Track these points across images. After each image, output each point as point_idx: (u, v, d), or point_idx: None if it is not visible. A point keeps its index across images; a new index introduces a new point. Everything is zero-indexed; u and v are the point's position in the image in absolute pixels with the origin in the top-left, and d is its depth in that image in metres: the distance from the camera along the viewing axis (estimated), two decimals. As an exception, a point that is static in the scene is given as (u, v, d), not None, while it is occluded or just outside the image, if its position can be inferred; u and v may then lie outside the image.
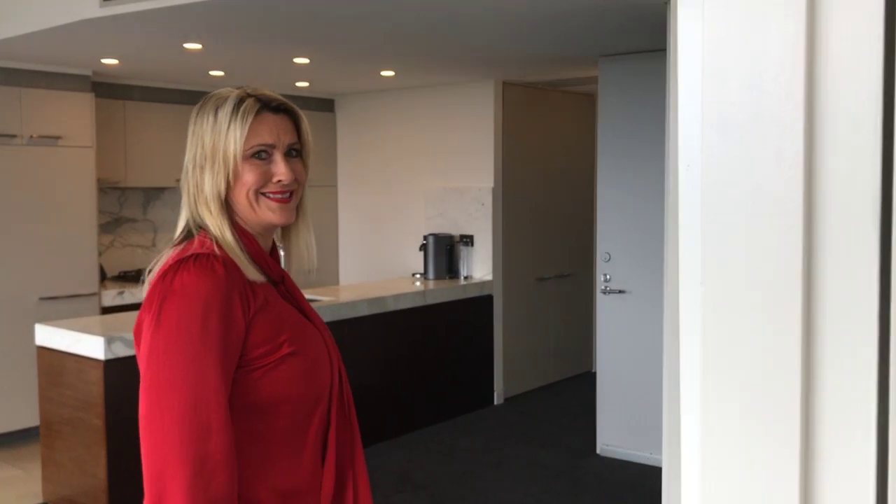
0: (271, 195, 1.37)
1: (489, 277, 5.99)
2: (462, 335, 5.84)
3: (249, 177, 1.35)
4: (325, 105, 6.83)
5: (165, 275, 1.28)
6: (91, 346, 3.70)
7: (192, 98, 6.16)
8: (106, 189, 5.89)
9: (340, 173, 6.94)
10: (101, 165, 5.56)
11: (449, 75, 5.70)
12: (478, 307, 5.92)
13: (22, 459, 4.83)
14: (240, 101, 1.35)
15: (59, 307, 5.18)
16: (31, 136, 5.08)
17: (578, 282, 6.85)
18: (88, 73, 5.32)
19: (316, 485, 1.37)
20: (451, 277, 5.97)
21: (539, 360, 6.50)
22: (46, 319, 4.35)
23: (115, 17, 3.67)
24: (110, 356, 3.67)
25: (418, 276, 6.08)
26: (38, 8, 3.96)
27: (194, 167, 1.36)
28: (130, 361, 3.74)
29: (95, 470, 3.71)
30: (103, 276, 5.72)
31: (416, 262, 6.21)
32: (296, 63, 5.06)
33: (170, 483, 1.20)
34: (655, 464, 4.67)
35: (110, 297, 5.48)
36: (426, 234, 6.03)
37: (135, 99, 5.86)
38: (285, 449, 1.33)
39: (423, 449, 5.09)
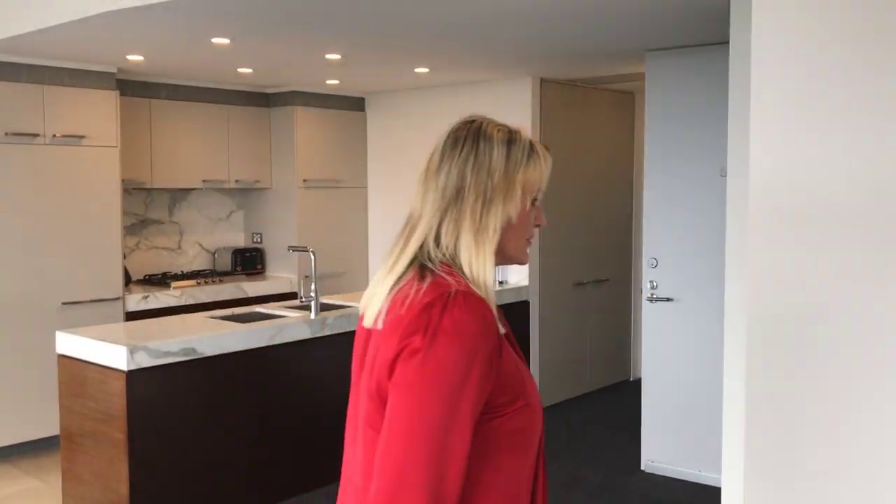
0: (529, 239, 1.39)
1: (525, 282, 5.75)
2: (497, 343, 5.60)
3: (539, 220, 1.39)
4: (355, 104, 6.63)
5: (430, 308, 1.23)
6: (114, 355, 3.51)
7: (219, 97, 5.99)
8: (131, 190, 5.74)
9: (370, 174, 6.74)
10: (126, 166, 5.40)
11: (485, 72, 5.48)
12: (514, 313, 5.68)
13: (42, 470, 4.67)
14: (528, 142, 1.36)
15: (83, 312, 5.01)
16: (55, 136, 4.93)
17: (616, 287, 6.60)
18: (113, 70, 5.15)
19: None
20: (485, 282, 5.73)
21: (575, 369, 6.25)
22: (69, 325, 4.19)
23: (140, 9, 3.49)
24: (133, 367, 3.48)
25: (451, 280, 5.86)
26: (59, 0, 3.79)
27: (476, 199, 1.31)
28: (155, 372, 3.56)
29: (117, 486, 3.52)
30: (128, 280, 5.56)
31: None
32: (327, 59, 4.86)
33: None
34: (705, 482, 4.42)
35: (135, 301, 5.32)
36: (460, 237, 5.80)
37: (161, 97, 5.69)
38: (507, 498, 1.31)
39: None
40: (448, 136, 1.37)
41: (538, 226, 1.40)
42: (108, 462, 3.57)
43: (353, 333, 4.72)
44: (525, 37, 4.24)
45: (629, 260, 6.71)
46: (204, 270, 6.20)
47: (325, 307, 4.70)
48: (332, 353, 4.45)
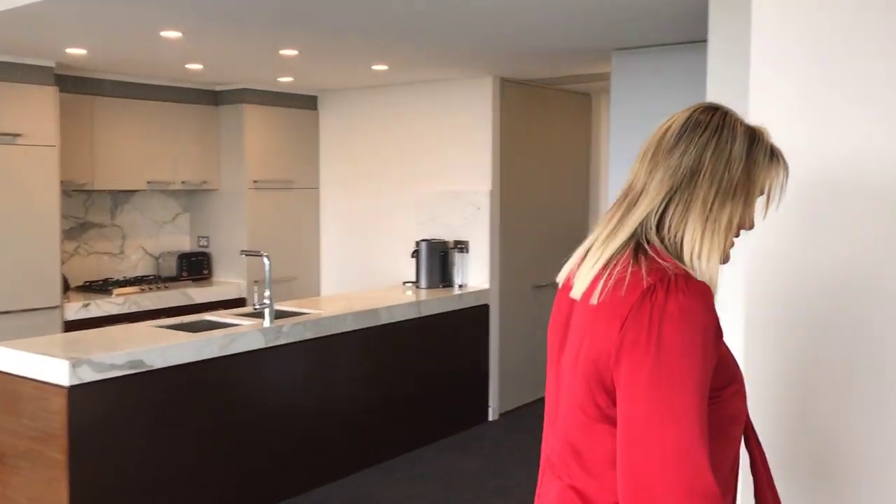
0: (735, 239, 1.33)
1: (486, 286, 5.62)
2: (457, 348, 5.47)
3: (751, 223, 1.33)
4: (307, 102, 6.41)
5: (652, 292, 1.19)
6: (53, 369, 3.26)
7: (165, 94, 5.72)
8: (70, 192, 5.43)
9: (323, 175, 6.53)
10: (66, 166, 5.10)
11: (445, 71, 5.33)
12: (473, 317, 5.55)
13: (-25, 491, 4.36)
14: (770, 143, 1.32)
15: (17, 323, 4.70)
16: (-13, 133, 4.62)
17: (576, 290, 6.51)
18: (52, 64, 4.86)
19: None
20: (444, 286, 5.59)
21: (534, 372, 6.14)
22: (1, 337, 3.89)
23: (81, -3, 3.24)
24: (76, 381, 3.23)
25: (409, 284, 5.70)
26: (-7, -13, 3.52)
27: (711, 187, 1.26)
28: (99, 387, 3.31)
29: (58, 510, 3.27)
30: (66, 287, 5.25)
31: (407, 269, 5.82)
32: (282, 55, 4.65)
33: None
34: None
35: (74, 310, 5.02)
36: (418, 239, 5.65)
37: (104, 94, 5.40)
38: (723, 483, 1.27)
39: (418, 474, 4.70)
40: (689, 117, 1.31)
41: (749, 228, 1.34)
42: (45, 484, 3.31)
43: (311, 342, 4.52)
44: (487, 34, 4.10)
45: (587, 263, 6.63)
46: (148, 276, 5.92)
47: (279, 314, 4.49)
48: (288, 363, 4.24)
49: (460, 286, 5.64)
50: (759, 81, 1.94)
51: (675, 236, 1.27)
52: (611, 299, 1.23)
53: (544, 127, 6.09)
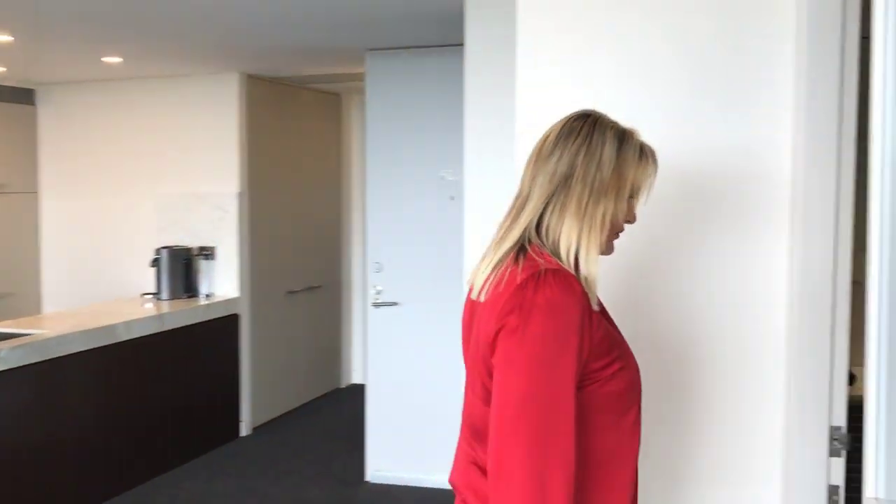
0: (619, 233, 1.45)
1: (235, 294, 5.33)
2: (205, 362, 5.13)
3: (630, 217, 1.44)
4: (21, 96, 5.70)
5: (524, 287, 1.32)
6: None
7: None
8: None
9: (43, 178, 5.84)
10: None
11: (187, 65, 4.98)
12: (222, 328, 5.25)
13: None
14: (640, 142, 1.42)
15: None
16: None
17: (329, 294, 6.41)
18: None
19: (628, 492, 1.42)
20: (189, 296, 5.23)
21: (289, 382, 5.95)
22: None
23: None
24: None
25: (149, 296, 5.26)
26: None
27: (584, 188, 1.37)
28: None
29: None
30: None
31: (146, 280, 5.36)
32: (-8, 39, 4.07)
33: (514, 498, 1.27)
34: (435, 485, 4.38)
35: None
36: (158, 247, 5.23)
37: None
38: (607, 460, 1.39)
39: (169, 500, 4.33)
40: (563, 125, 1.41)
41: (629, 222, 1.45)
42: None
43: (34, 367, 4.01)
44: (231, 27, 3.88)
45: (339, 265, 6.56)
46: None
47: (-3, 336, 3.92)
48: (8, 392, 3.71)
49: (207, 296, 5.31)
50: (525, 81, 1.97)
51: (553, 236, 1.38)
52: (492, 295, 1.36)
53: (294, 127, 5.92)
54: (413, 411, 4.47)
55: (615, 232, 1.44)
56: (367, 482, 4.58)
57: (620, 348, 1.42)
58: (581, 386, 1.33)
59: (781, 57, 1.83)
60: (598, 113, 1.43)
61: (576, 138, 1.39)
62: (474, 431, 1.45)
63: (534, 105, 1.96)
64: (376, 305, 4.51)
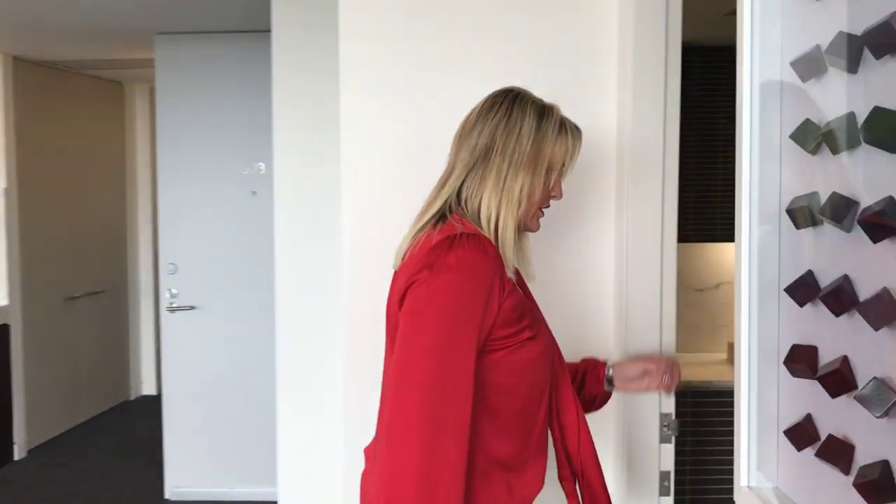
0: (543, 209, 1.48)
1: (4, 302, 4.75)
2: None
3: (555, 192, 1.47)
4: None
5: (437, 247, 1.34)
6: None
7: None
8: None
9: None
10: None
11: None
12: (-10, 342, 4.66)
13: None
14: (560, 118, 1.44)
15: None
16: None
17: (114, 299, 5.91)
18: None
19: (533, 465, 1.43)
20: (-53, 307, 4.59)
21: (70, 397, 5.41)
22: None
23: None
24: None
25: None
26: None
27: (503, 161, 1.40)
28: None
29: None
30: None
31: None
32: None
33: (407, 442, 1.28)
34: (239, 497, 4.14)
35: None
36: None
37: None
38: (516, 426, 1.40)
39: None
40: (485, 101, 1.45)
41: (554, 197, 1.47)
42: None
43: None
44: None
45: (127, 268, 6.07)
46: None
47: None
48: None
49: (-30, 304, 4.69)
50: (348, 65, 1.90)
51: (473, 206, 1.40)
52: (408, 259, 1.38)
53: (71, 117, 5.39)
54: (215, 421, 4.20)
55: (539, 207, 1.45)
56: (166, 500, 4.25)
57: (532, 318, 1.43)
58: (489, 350, 1.36)
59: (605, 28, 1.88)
60: (519, 89, 1.45)
61: (496, 112, 1.41)
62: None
63: (356, 99, 1.90)
64: (171, 310, 4.18)
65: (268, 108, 3.20)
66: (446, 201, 1.42)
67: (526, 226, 1.46)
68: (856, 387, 0.85)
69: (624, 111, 1.83)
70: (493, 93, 1.46)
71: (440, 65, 1.90)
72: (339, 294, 2.75)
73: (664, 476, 1.89)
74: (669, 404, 1.91)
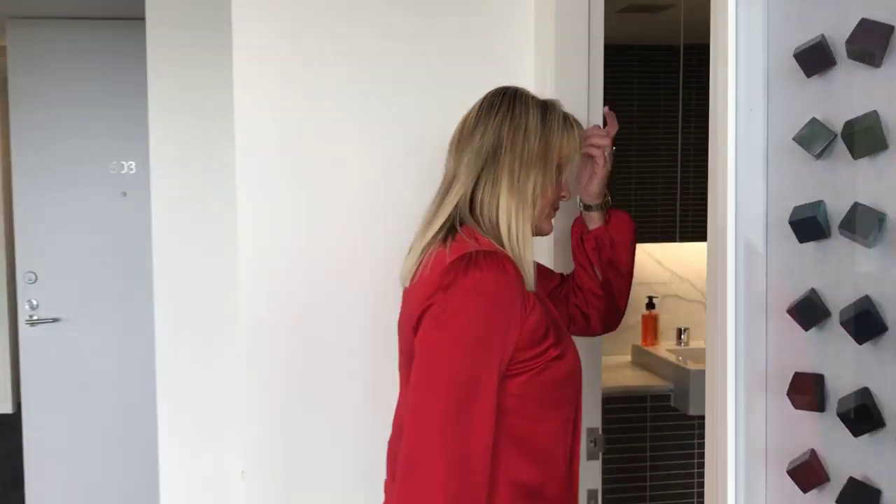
0: (555, 210, 1.42)
1: None
2: None
3: (565, 191, 1.41)
4: None
5: (453, 268, 1.24)
6: None
7: None
8: None
9: None
10: None
11: None
12: None
13: None
14: (563, 113, 1.38)
15: None
16: None
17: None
18: None
19: (561, 489, 1.35)
20: None
21: None
22: None
23: None
24: None
25: None
26: None
27: (514, 159, 1.31)
28: None
29: None
30: None
31: None
32: None
33: (426, 475, 1.21)
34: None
35: None
36: None
37: None
38: (543, 452, 1.32)
39: None
40: (482, 101, 1.38)
41: (564, 196, 1.41)
42: None
43: None
44: None
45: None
46: None
47: None
48: None
49: None
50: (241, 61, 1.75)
51: (490, 214, 1.31)
52: (420, 278, 1.28)
53: None
54: (82, 439, 3.84)
55: (551, 207, 1.38)
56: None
57: (558, 335, 1.33)
58: (512, 375, 1.26)
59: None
60: (515, 87, 1.39)
61: (497, 111, 1.34)
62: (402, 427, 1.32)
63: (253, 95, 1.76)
64: (31, 323, 3.78)
65: (139, 104, 2.93)
66: (453, 212, 1.33)
67: (539, 228, 1.38)
68: (883, 423, 0.75)
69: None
70: (489, 93, 1.38)
71: (340, 60, 1.76)
72: (231, 304, 2.57)
73: (591, 495, 1.79)
74: (595, 418, 1.81)
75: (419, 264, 1.31)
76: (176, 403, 2.92)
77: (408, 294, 1.33)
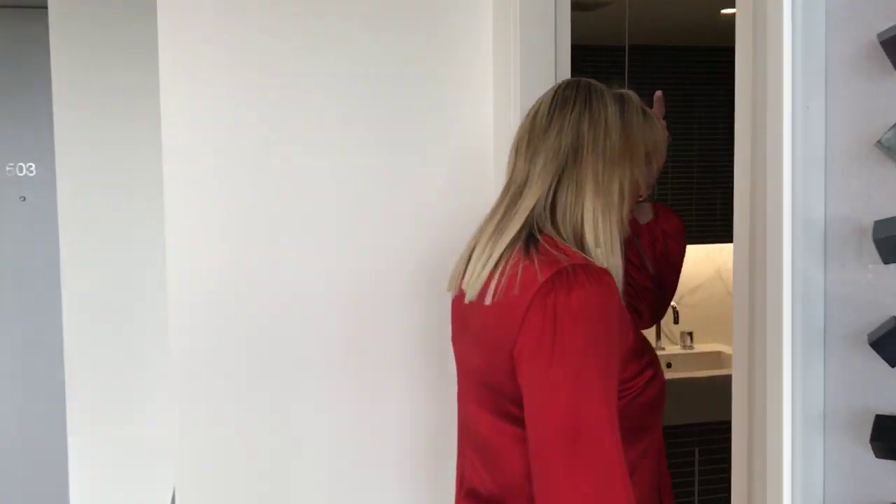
0: (631, 210, 1.30)
1: None
2: None
3: (648, 184, 1.34)
4: None
5: (552, 286, 1.10)
6: None
7: None
8: None
9: None
10: None
11: None
12: None
13: None
14: (640, 105, 1.28)
15: None
16: None
17: None
18: None
19: None
20: None
21: None
22: None
23: None
24: None
25: None
26: None
27: (597, 159, 1.19)
28: None
29: None
30: None
31: None
32: None
33: None
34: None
35: None
36: None
37: None
38: (637, 482, 1.19)
39: None
40: (554, 96, 1.25)
41: (640, 198, 1.35)
42: None
43: None
44: None
45: None
46: None
47: None
48: None
49: None
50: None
51: (573, 220, 1.19)
52: (505, 299, 1.14)
53: None
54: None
55: (630, 208, 1.26)
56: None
57: (650, 351, 1.26)
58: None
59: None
60: (587, 79, 1.26)
61: (573, 106, 1.22)
62: (481, 449, 1.22)
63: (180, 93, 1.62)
64: None
65: (38, 101, 2.67)
66: (528, 218, 1.19)
67: (622, 231, 1.27)
68: None
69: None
70: (559, 87, 1.26)
71: (271, 64, 1.64)
72: (154, 314, 2.37)
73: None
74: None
75: (496, 277, 1.16)
76: (88, 434, 2.67)
77: (488, 313, 1.17)
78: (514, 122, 1.58)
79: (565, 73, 1.63)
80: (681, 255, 1.50)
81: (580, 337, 1.08)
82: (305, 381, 1.69)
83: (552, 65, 1.61)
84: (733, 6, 1.13)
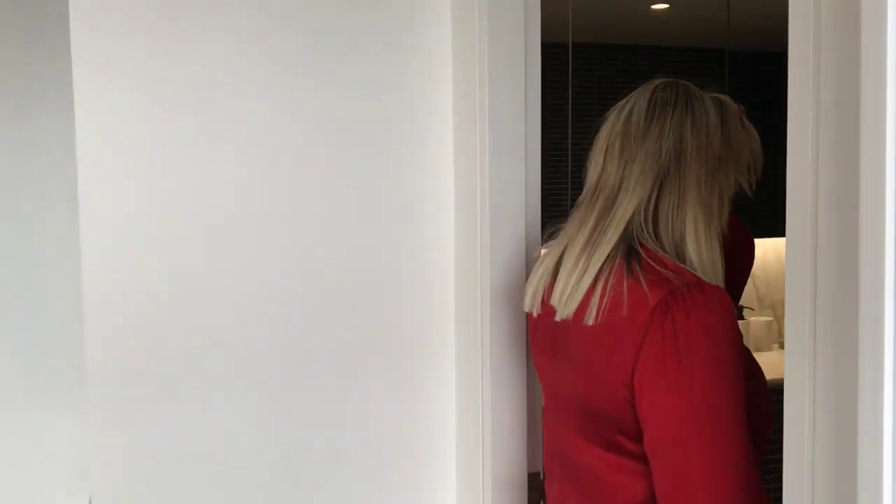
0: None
1: None
2: None
3: (751, 193, 1.30)
4: None
5: (667, 311, 1.04)
6: None
7: None
8: None
9: None
10: None
11: None
12: None
13: None
14: (735, 109, 1.25)
15: None
16: None
17: None
18: None
19: None
20: None
21: None
22: None
23: None
24: None
25: None
26: None
27: (700, 166, 1.14)
28: None
29: None
30: None
31: None
32: None
33: None
34: None
35: None
36: None
37: None
38: None
39: None
40: (651, 97, 1.19)
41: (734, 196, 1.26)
42: None
43: None
44: None
45: None
46: None
47: None
48: None
49: None
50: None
51: (677, 231, 1.14)
52: (611, 320, 1.09)
53: None
54: None
55: (726, 218, 1.22)
56: None
57: (758, 371, 1.21)
58: None
59: None
60: (682, 81, 1.23)
61: (674, 108, 1.16)
62: (577, 479, 1.18)
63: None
64: None
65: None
66: (626, 229, 1.12)
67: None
68: None
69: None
70: (654, 87, 1.20)
71: (201, 52, 1.50)
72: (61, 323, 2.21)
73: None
74: (536, 462, 1.55)
75: (597, 295, 1.08)
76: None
77: (591, 334, 1.10)
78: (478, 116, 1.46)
79: (534, 69, 1.51)
80: (750, 265, 1.48)
81: (707, 364, 1.02)
82: (232, 389, 1.54)
83: (522, 65, 1.48)
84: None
